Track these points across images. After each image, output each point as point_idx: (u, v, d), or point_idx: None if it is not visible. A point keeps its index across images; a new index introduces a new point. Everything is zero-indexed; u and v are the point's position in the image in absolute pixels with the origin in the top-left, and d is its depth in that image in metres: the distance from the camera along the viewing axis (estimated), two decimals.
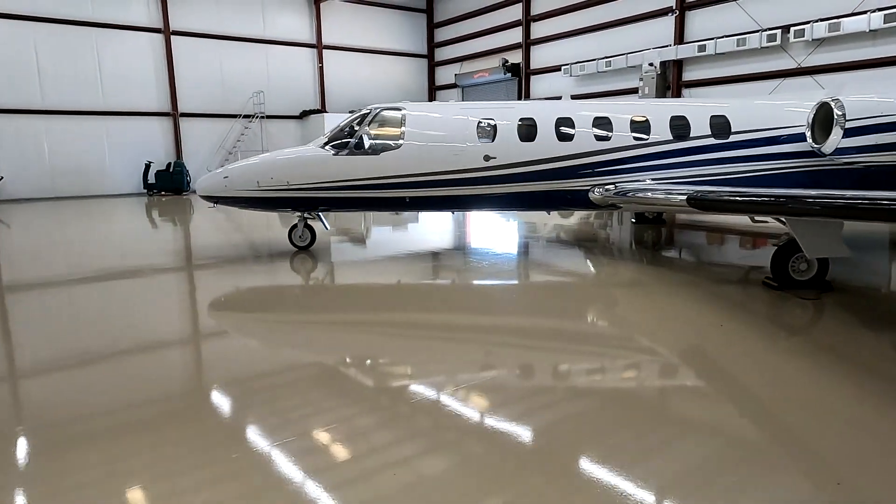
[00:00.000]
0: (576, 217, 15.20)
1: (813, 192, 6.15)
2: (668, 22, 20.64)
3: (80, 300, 7.89)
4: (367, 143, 9.21)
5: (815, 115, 8.45)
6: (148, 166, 24.41)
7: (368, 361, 5.43)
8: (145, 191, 24.41)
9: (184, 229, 15.68)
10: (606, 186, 9.01)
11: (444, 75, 31.65)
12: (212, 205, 10.22)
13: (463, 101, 30.52)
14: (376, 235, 13.51)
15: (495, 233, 13.34)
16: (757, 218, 10.00)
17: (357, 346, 5.81)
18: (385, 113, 9.42)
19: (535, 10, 25.88)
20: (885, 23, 15.27)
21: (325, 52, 28.74)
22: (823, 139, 8.28)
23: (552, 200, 9.39)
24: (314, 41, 28.57)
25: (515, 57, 26.83)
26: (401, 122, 9.21)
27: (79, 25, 23.05)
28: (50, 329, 6.39)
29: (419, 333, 6.30)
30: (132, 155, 24.53)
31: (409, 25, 31.48)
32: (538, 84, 26.33)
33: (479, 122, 9.21)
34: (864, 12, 15.63)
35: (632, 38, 21.75)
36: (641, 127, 9.11)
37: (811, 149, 8.61)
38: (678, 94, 20.69)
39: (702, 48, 19.31)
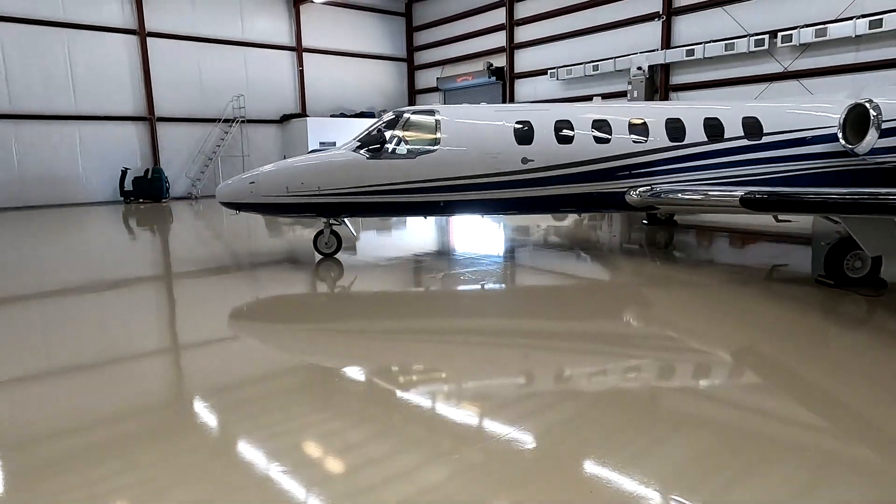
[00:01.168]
0: (569, 220, 15.21)
1: (871, 191, 6.27)
2: (656, 26, 21.03)
3: (61, 314, 7.34)
4: (402, 146, 8.99)
5: (846, 116, 8.68)
6: (124, 173, 23.42)
7: (431, 372, 5.23)
8: (122, 198, 23.41)
9: (183, 236, 15.04)
10: (643, 188, 9.03)
11: (425, 79, 31.50)
12: (234, 212, 9.83)
13: (445, 104, 30.49)
14: (374, 240, 13.21)
15: (500, 237, 13.21)
16: (780, 217, 10.25)
17: (428, 355, 5.61)
18: (418, 116, 9.23)
19: (519, 14, 26.01)
20: (869, 28, 15.90)
21: (305, 55, 28.22)
22: (857, 140, 8.51)
23: (588, 202, 9.37)
24: (294, 44, 28.02)
25: (499, 60, 26.91)
26: (436, 126, 9.03)
27: (48, 26, 21.96)
28: (23, 344, 5.98)
29: (485, 341, 6.12)
30: (107, 161, 23.49)
31: (389, 29, 31.24)
32: (523, 87, 26.46)
33: (516, 125, 9.11)
34: (850, 18, 16.25)
35: (619, 41, 22.07)
36: (677, 129, 9.18)
37: (843, 149, 8.85)
38: (665, 98, 21.11)
39: (690, 52, 19.74)
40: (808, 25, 17.06)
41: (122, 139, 23.96)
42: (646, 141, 9.11)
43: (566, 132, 9.10)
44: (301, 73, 28.21)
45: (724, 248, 11.14)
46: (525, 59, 26.05)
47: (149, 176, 23.61)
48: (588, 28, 23.05)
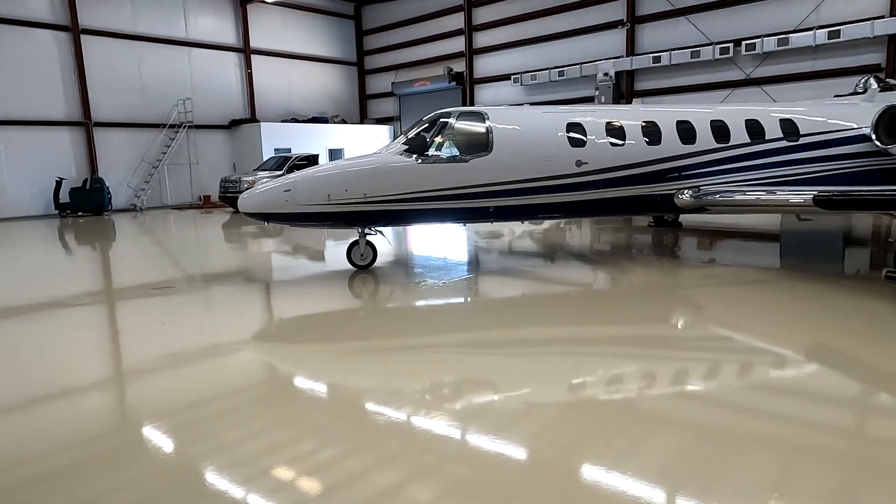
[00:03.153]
0: (546, 224, 14.99)
1: None
2: (620, 34, 21.60)
3: None
4: (453, 149, 8.46)
5: (879, 117, 9.08)
6: (59, 183, 21.09)
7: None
8: (57, 212, 21.06)
9: (133, 253, 13.57)
10: (693, 189, 9.01)
11: (377, 84, 30.79)
12: (264, 223, 8.90)
13: (400, 109, 29.96)
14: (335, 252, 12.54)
15: (463, 244, 12.85)
16: (802, 216, 10.57)
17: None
18: (467, 118, 8.73)
19: (478, 19, 25.97)
20: (828, 38, 17.04)
21: (253, 56, 26.76)
22: (891, 140, 8.91)
23: (638, 205, 9.24)
24: (241, 45, 26.51)
25: (459, 65, 26.72)
26: (487, 127, 8.57)
27: None
28: None
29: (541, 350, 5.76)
30: (38, 171, 21.10)
31: (339, 32, 30.29)
32: (483, 93, 26.41)
33: (568, 127, 8.83)
34: (811, 29, 17.35)
35: (584, 48, 22.49)
36: (722, 130, 9.25)
37: (876, 149, 9.24)
38: (630, 103, 21.70)
39: (657, 59, 20.39)
40: (770, 35, 18.04)
41: (55, 146, 21.63)
42: (694, 143, 9.11)
43: (617, 134, 8.93)
44: (249, 75, 26.72)
45: (759, 248, 11.32)
46: (486, 65, 26.01)
47: (87, 186, 21.42)
48: (552, 34, 23.33)
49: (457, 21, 26.43)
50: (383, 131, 29.90)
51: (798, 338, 5.86)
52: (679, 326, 6.67)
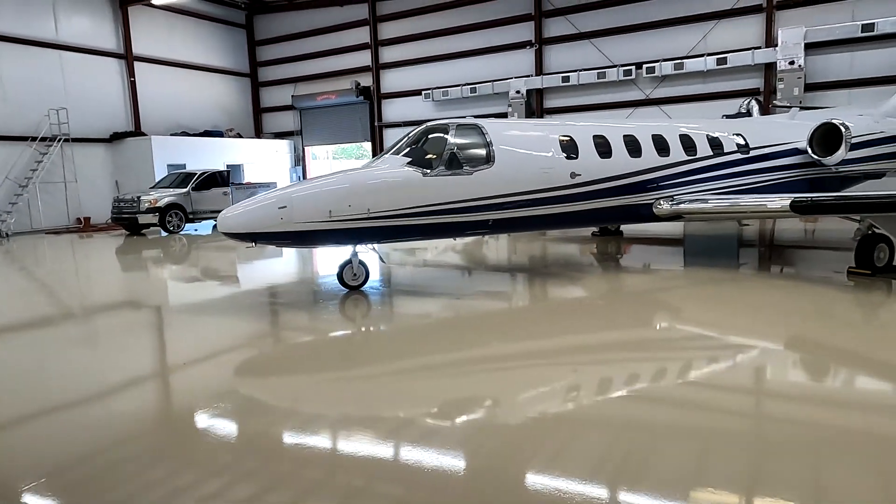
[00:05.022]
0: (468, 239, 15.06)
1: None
2: (529, 53, 22.57)
3: None
4: (456, 162, 8.21)
5: (814, 133, 10.28)
6: None
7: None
8: None
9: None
10: (668, 200, 9.55)
11: (274, 97, 29.33)
12: (251, 244, 8.00)
13: (301, 123, 28.82)
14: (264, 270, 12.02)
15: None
16: (744, 221, 11.65)
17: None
18: (465, 129, 8.53)
19: (384, 34, 25.79)
20: (717, 65, 19.12)
21: (137, 64, 24.25)
22: (826, 153, 10.13)
23: (622, 215, 9.61)
24: (122, 51, 23.92)
25: (365, 79, 26.28)
26: (486, 139, 8.45)
27: None
28: None
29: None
30: None
31: (231, 41, 28.48)
32: (392, 108, 26.21)
33: (561, 139, 8.97)
34: (702, 55, 19.35)
35: (495, 66, 23.17)
36: (690, 144, 9.92)
37: (812, 160, 10.44)
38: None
39: (566, 79, 21.56)
40: (667, 59, 19.85)
41: None
42: (668, 155, 9.67)
43: (604, 147, 9.23)
44: (133, 84, 24.17)
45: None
46: (394, 79, 25.84)
47: None
48: (463, 52, 23.78)
49: (362, 35, 26.02)
50: (283, 146, 28.52)
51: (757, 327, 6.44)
52: (659, 328, 7.01)
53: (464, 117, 22.74)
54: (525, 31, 22.55)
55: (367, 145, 28.09)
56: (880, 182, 11.76)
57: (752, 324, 6.82)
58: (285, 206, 7.54)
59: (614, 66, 20.77)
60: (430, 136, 8.44)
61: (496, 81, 22.82)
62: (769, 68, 18.72)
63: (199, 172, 19.70)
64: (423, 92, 24.45)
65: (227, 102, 28.52)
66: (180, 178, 19.86)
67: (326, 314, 7.90)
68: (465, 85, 23.51)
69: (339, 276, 8.59)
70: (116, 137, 23.49)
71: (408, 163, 8.06)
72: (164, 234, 18.48)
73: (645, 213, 9.64)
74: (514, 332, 6.79)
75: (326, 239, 7.89)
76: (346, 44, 26.46)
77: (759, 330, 6.57)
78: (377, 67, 26.05)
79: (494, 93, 22.98)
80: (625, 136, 9.47)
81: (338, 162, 40.43)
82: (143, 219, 18.07)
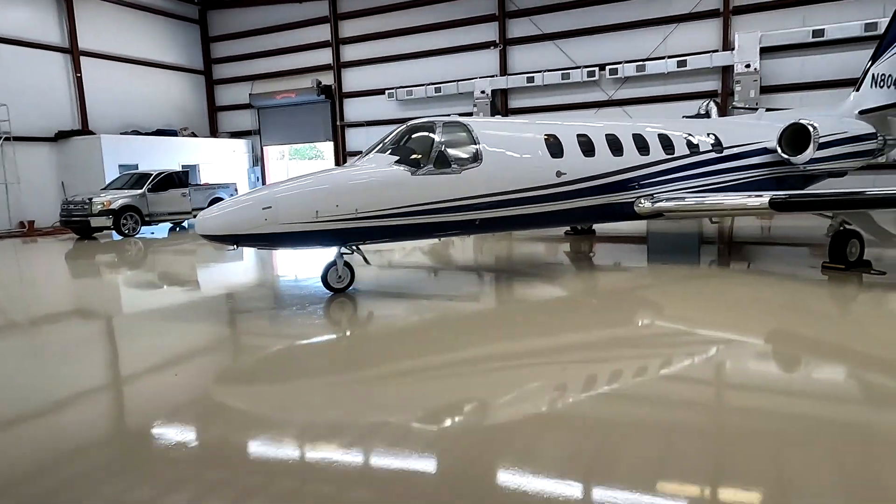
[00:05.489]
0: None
1: (869, 190, 7.88)
2: (494, 54, 22.60)
3: None
4: (443, 160, 8.06)
5: (783, 133, 10.62)
6: None
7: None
8: None
9: None
10: (649, 198, 9.67)
11: (230, 95, 28.42)
12: (232, 247, 7.63)
13: (259, 122, 28.04)
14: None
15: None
16: (714, 220, 11.95)
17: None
18: (452, 127, 8.39)
19: (345, 32, 25.36)
20: (677, 67, 19.62)
21: (84, 59, 23.03)
22: (794, 152, 10.47)
23: (605, 214, 9.64)
24: (68, 45, 22.67)
25: (327, 78, 25.77)
26: (473, 138, 8.33)
27: None
28: None
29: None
30: None
31: (184, 37, 27.43)
32: (354, 107, 25.78)
33: (546, 138, 8.94)
34: (662, 58, 19.81)
35: (460, 66, 23.09)
36: (669, 143, 10.07)
37: (781, 159, 10.77)
38: None
39: (531, 79, 21.70)
40: (630, 61, 20.24)
41: None
42: (649, 154, 9.79)
43: (588, 146, 9.25)
44: (79, 80, 22.93)
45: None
46: (357, 78, 25.44)
47: None
48: (427, 51, 23.62)
49: (323, 32, 25.51)
50: (240, 146, 27.66)
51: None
52: (642, 325, 7.10)
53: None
54: (489, 32, 22.58)
55: (324, 145, 27.58)
56: (840, 180, 12.30)
57: (736, 319, 6.96)
58: (270, 207, 7.23)
59: (578, 68, 21.04)
60: (415, 135, 8.27)
61: (461, 81, 22.77)
62: (726, 71, 19.33)
63: (155, 173, 18.84)
64: (387, 91, 24.16)
65: (180, 100, 27.45)
66: (134, 178, 18.96)
67: (314, 318, 7.61)
68: (429, 84, 23.35)
69: (324, 279, 8.30)
70: (62, 136, 22.22)
71: (395, 161, 7.87)
72: (117, 237, 17.58)
73: (627, 212, 9.73)
74: (504, 333, 6.70)
75: (313, 240, 7.62)
76: (306, 41, 25.88)
77: (743, 325, 6.70)
78: (339, 66, 25.60)
79: (459, 93, 22.91)
80: (607, 135, 9.53)
81: (294, 163, 39.71)
82: (95, 222, 17.13)
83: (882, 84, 13.47)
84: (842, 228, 8.70)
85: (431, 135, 8.14)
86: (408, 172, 7.79)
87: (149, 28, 25.85)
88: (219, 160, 26.12)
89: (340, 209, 7.43)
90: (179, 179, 19.16)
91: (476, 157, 8.22)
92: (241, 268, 12.07)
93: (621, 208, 9.67)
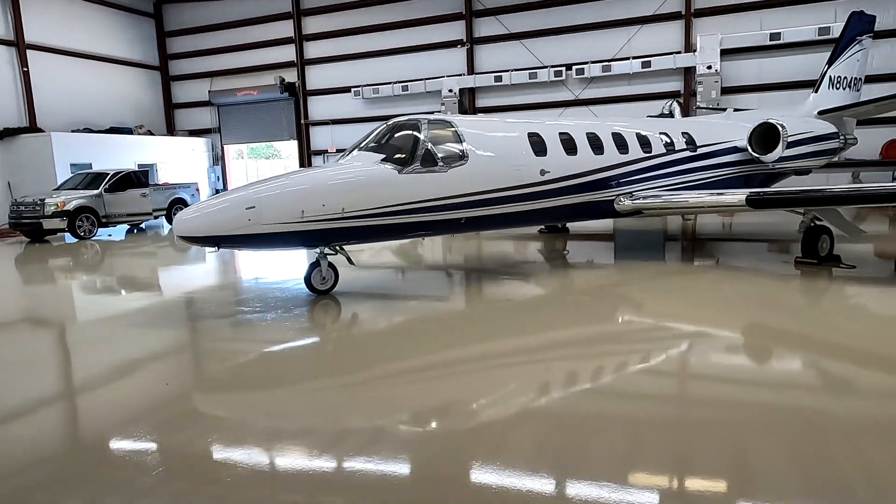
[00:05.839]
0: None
1: (840, 187, 8.19)
2: (461, 52, 22.57)
3: None
4: (430, 158, 7.94)
5: (753, 132, 10.92)
6: None
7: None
8: None
9: None
10: (628, 196, 9.79)
11: (188, 92, 27.51)
12: (213, 249, 7.32)
13: (219, 120, 27.25)
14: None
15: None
16: (686, 217, 12.21)
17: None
18: (437, 124, 8.26)
19: (309, 29, 24.89)
20: (641, 68, 20.01)
21: (30, 53, 21.85)
22: (764, 151, 10.78)
23: (586, 212, 9.70)
24: (13, 37, 21.47)
25: (290, 75, 25.23)
26: (458, 135, 8.24)
27: None
28: None
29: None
30: None
31: (138, 31, 26.40)
32: (319, 105, 25.34)
33: (530, 136, 8.92)
34: (627, 58, 20.17)
35: (428, 64, 22.97)
36: (646, 142, 10.21)
37: (751, 157, 11.07)
38: None
39: (498, 78, 21.77)
40: (595, 62, 20.53)
41: None
42: (628, 152, 9.90)
43: (570, 144, 9.29)
44: (26, 74, 21.75)
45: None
46: (321, 76, 25.01)
47: None
48: (393, 49, 23.40)
49: (286, 29, 24.96)
50: (199, 144, 26.81)
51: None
52: (620, 320, 7.21)
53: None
54: (456, 30, 22.53)
55: (284, 144, 26.88)
56: (807, 178, 12.76)
57: (714, 313, 7.11)
58: (253, 207, 6.96)
59: (545, 67, 21.21)
60: (400, 133, 8.13)
61: (428, 80, 22.66)
62: (688, 72, 19.83)
63: (112, 172, 18.03)
64: (353, 89, 23.83)
65: (135, 97, 26.40)
66: (89, 178, 18.10)
67: (300, 322, 7.37)
68: (396, 83, 23.16)
69: (307, 280, 8.06)
70: (8, 134, 21.02)
71: (382, 159, 7.71)
72: (72, 240, 16.73)
73: (607, 210, 9.83)
74: (493, 331, 6.62)
75: (298, 241, 7.39)
76: (269, 37, 25.29)
77: (719, 320, 6.84)
78: (302, 63, 25.10)
79: (427, 91, 22.80)
80: (587, 133, 9.59)
81: (252, 162, 38.80)
82: (48, 224, 16.26)
83: (839, 86, 14.06)
84: (813, 224, 9.00)
85: (416, 132, 8.01)
86: (395, 171, 7.64)
87: (101, 21, 24.76)
88: (177, 159, 25.26)
89: (327, 209, 7.22)
90: (138, 179, 18.40)
91: (462, 156, 8.13)
92: (209, 271, 11.64)
93: (602, 206, 9.75)
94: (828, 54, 14.35)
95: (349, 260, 8.29)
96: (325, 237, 7.41)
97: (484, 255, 12.22)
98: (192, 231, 7.01)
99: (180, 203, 20.19)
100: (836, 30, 17.12)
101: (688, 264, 10.51)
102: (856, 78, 14.51)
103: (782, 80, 18.61)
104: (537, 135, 9.01)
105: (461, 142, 8.20)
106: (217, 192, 27.29)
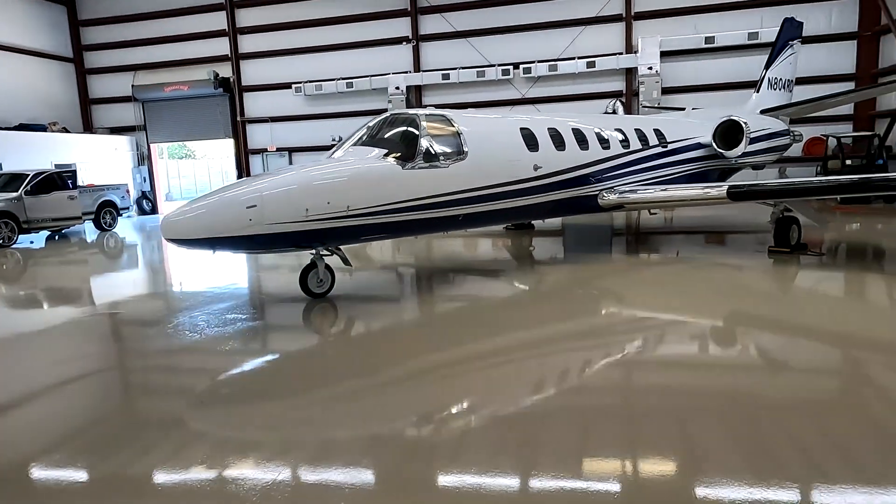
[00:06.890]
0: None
1: (816, 179, 8.76)
2: (407, 49, 22.27)
3: None
4: (431, 154, 7.69)
5: (717, 128, 11.41)
6: None
7: None
8: None
9: None
10: (612, 191, 9.97)
11: (107, 86, 25.47)
12: (210, 251, 6.70)
13: (144, 117, 25.42)
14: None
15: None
16: (652, 211, 12.63)
17: None
18: (434, 119, 8.02)
19: (244, 21, 23.71)
20: (586, 67, 20.55)
21: None
22: (728, 146, 11.31)
23: (573, 207, 9.74)
24: None
25: (225, 70, 23.93)
26: (458, 131, 8.05)
27: None
28: None
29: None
30: None
31: (48, 19, 24.15)
32: (257, 102, 24.19)
33: (522, 132, 8.86)
34: (573, 58, 20.64)
35: (373, 61, 22.46)
36: (624, 137, 10.42)
37: (715, 153, 11.57)
38: None
39: (446, 76, 21.65)
40: (542, 61, 20.87)
41: None
42: (609, 148, 10.07)
43: (558, 139, 9.31)
44: None
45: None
46: (259, 71, 23.88)
47: None
48: (337, 44, 22.74)
49: (219, 21, 23.64)
50: (123, 143, 24.91)
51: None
52: (605, 313, 7.38)
53: (340, 114, 21.76)
54: (402, 27, 22.20)
55: (199, 144, 25.26)
56: (761, 172, 13.54)
57: (694, 301, 7.37)
58: (255, 206, 6.46)
59: (493, 66, 21.32)
60: (397, 128, 7.83)
61: (374, 77, 22.18)
62: (630, 72, 20.57)
63: (32, 173, 16.35)
64: (294, 85, 22.94)
65: (46, 91, 24.12)
66: (5, 179, 16.34)
67: (296, 327, 6.91)
68: (340, 79, 22.51)
69: (303, 283, 7.59)
70: None
71: (384, 155, 7.37)
72: None
73: (591, 205, 9.94)
74: (487, 331, 6.46)
75: (298, 242, 6.91)
76: (200, 30, 23.85)
77: (700, 307, 7.09)
78: (237, 57, 23.87)
79: (373, 88, 22.30)
80: (573, 129, 9.67)
81: (173, 162, 36.50)
82: None
83: (776, 87, 15.03)
84: (783, 215, 9.52)
85: (414, 127, 7.74)
86: (398, 166, 7.34)
87: (4, 7, 22.39)
88: (98, 159, 23.34)
89: (332, 206, 6.83)
90: (63, 180, 16.80)
91: (461, 151, 7.95)
92: (171, 276, 10.77)
93: (588, 201, 9.86)
94: (757, 58, 15.30)
95: (346, 261, 7.87)
96: (325, 236, 7.00)
97: (453, 254, 12.05)
98: (184, 233, 6.40)
99: (110, 206, 18.68)
100: (764, 35, 18.41)
101: (634, 256, 10.73)
102: (788, 80, 15.57)
103: (718, 82, 19.68)
104: (528, 130, 8.97)
105: (460, 137, 8.01)
106: (143, 194, 25.51)
